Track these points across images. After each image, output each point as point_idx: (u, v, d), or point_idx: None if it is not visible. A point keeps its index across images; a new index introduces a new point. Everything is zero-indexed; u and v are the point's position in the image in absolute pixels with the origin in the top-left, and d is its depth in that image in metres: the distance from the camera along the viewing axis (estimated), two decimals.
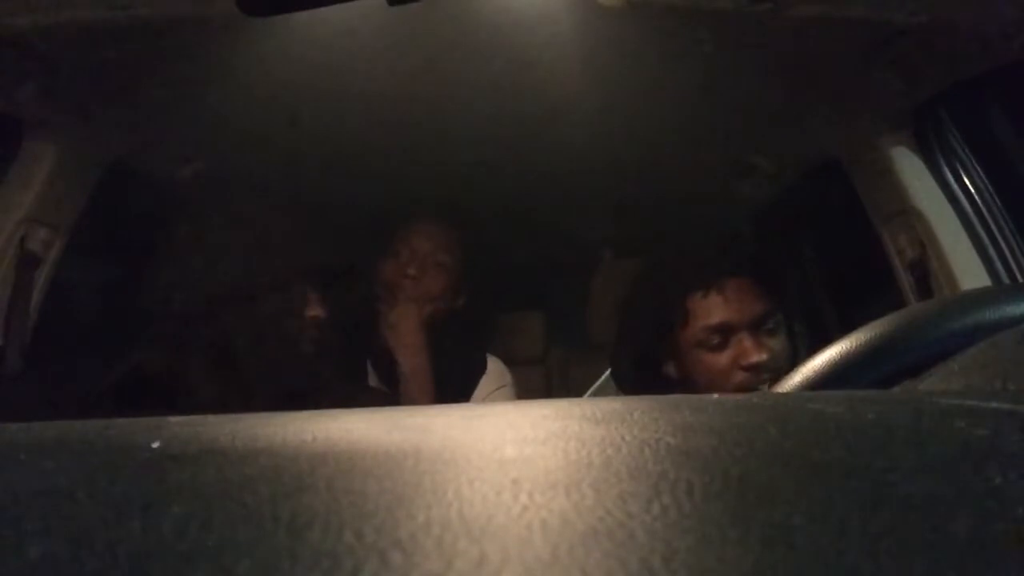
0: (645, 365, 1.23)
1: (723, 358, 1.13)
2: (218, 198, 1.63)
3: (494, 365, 1.65)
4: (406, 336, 1.50)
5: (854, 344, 0.46)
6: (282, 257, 1.21)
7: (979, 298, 0.49)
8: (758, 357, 1.11)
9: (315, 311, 1.21)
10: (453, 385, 1.54)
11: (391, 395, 1.50)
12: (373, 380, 1.57)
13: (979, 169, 1.24)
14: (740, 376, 1.12)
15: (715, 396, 0.33)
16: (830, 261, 1.70)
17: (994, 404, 0.28)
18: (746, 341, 1.12)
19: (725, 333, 1.14)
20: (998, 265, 1.19)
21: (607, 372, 1.40)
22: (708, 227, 1.90)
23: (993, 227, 1.21)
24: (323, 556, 0.16)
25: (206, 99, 1.28)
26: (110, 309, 1.56)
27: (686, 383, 1.18)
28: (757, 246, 1.26)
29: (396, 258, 1.57)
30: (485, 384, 1.60)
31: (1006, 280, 1.17)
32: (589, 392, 1.52)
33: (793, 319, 1.19)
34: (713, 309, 1.14)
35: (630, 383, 1.26)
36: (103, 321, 1.56)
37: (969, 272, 1.18)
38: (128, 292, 1.46)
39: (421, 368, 1.49)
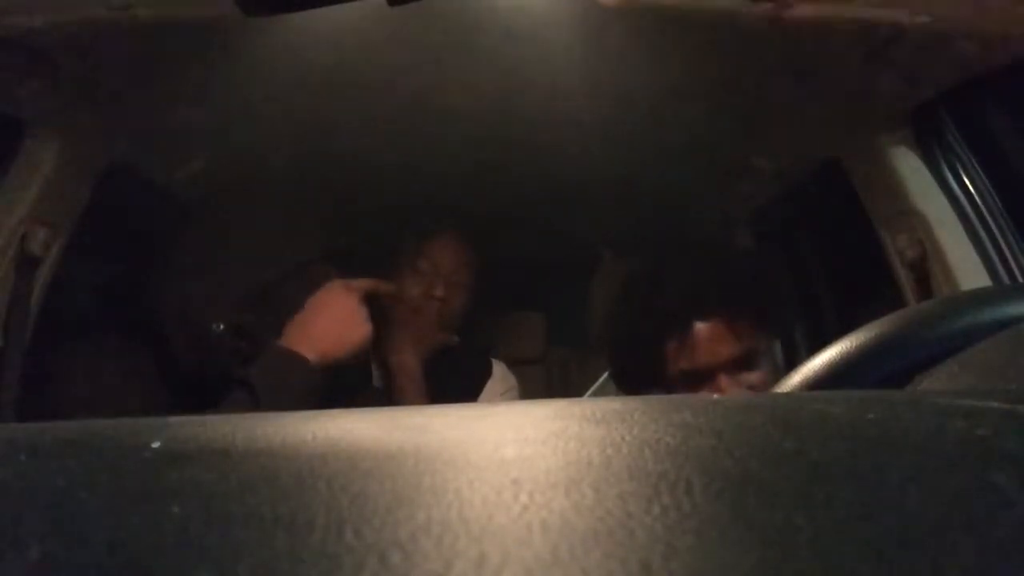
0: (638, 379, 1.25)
1: (702, 393, 1.14)
2: (218, 199, 1.64)
3: (499, 369, 1.65)
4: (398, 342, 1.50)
5: (854, 344, 0.46)
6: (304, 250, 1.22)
7: (979, 298, 0.49)
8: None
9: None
10: (458, 388, 1.54)
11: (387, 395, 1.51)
12: (376, 380, 1.57)
13: (979, 169, 1.24)
14: None
15: (715, 396, 0.33)
16: (830, 261, 1.70)
17: (994, 404, 0.28)
18: (723, 380, 1.13)
19: (701, 376, 1.14)
20: (998, 265, 1.19)
21: (607, 372, 1.40)
22: (709, 227, 1.90)
23: (993, 227, 1.21)
24: (323, 556, 0.16)
25: (206, 99, 1.28)
26: (110, 309, 1.56)
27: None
28: (737, 278, 1.24)
29: (418, 275, 1.55)
30: (491, 388, 1.60)
31: (1006, 280, 1.17)
32: (589, 392, 1.52)
33: (791, 328, 1.19)
34: (688, 354, 1.15)
35: (630, 384, 1.27)
36: (103, 321, 1.56)
37: (969, 272, 1.18)
38: (128, 292, 1.46)
39: (409, 363, 1.49)
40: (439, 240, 1.58)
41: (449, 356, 1.55)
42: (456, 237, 1.60)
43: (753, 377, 1.14)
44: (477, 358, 1.63)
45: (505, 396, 1.61)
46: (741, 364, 1.14)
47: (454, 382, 1.54)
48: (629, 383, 1.26)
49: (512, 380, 1.65)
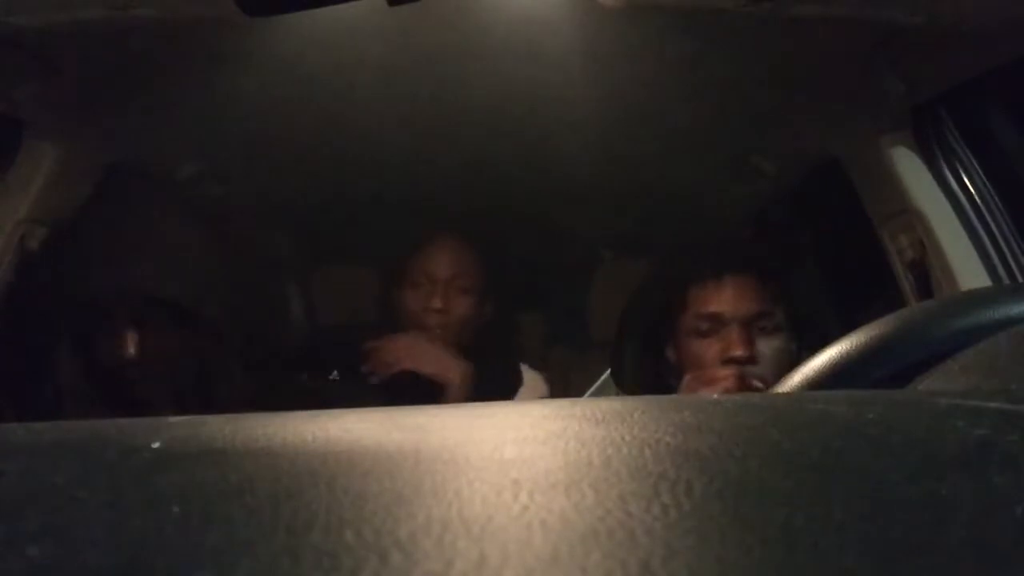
0: (647, 347, 1.26)
1: (711, 348, 1.16)
2: (218, 199, 1.64)
3: (530, 377, 1.60)
4: (438, 359, 1.47)
5: (854, 344, 0.46)
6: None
7: (979, 298, 0.49)
8: (742, 352, 1.13)
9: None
10: (491, 398, 1.51)
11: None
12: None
13: (979, 169, 1.24)
14: (724, 370, 1.13)
15: (715, 396, 0.33)
16: (830, 261, 1.70)
17: (994, 404, 0.28)
18: (734, 334, 1.14)
19: (716, 323, 1.16)
20: (998, 265, 1.19)
21: (607, 372, 1.40)
22: (709, 227, 1.91)
23: (993, 227, 1.21)
24: (323, 556, 0.16)
25: (206, 99, 1.28)
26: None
27: (681, 368, 1.20)
28: (765, 247, 1.29)
29: (416, 289, 1.52)
30: (522, 397, 1.57)
31: (1006, 280, 1.17)
32: (589, 392, 1.52)
33: (797, 326, 1.20)
34: (709, 299, 1.18)
35: (630, 369, 1.28)
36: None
37: (969, 272, 1.18)
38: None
39: (464, 382, 1.47)
40: (431, 248, 1.54)
41: (478, 365, 1.50)
42: (450, 241, 1.55)
43: (764, 343, 1.15)
44: (508, 366, 1.58)
45: None
46: (755, 321, 1.16)
47: (485, 391, 1.48)
48: (630, 369, 1.27)
49: (544, 389, 1.60)
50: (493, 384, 1.50)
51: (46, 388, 1.20)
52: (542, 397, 1.58)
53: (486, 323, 1.58)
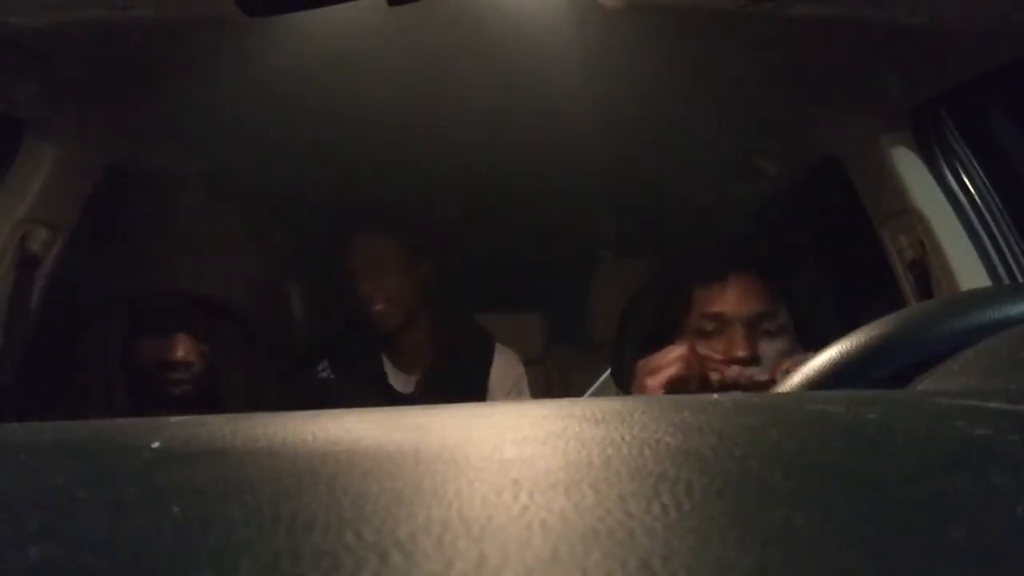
0: (647, 347, 1.26)
1: (714, 349, 1.16)
2: (217, 198, 1.64)
3: (504, 356, 1.65)
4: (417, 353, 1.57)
5: (854, 344, 0.46)
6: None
7: (979, 298, 0.49)
8: (743, 352, 1.13)
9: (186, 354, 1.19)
10: (461, 373, 1.57)
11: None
12: (392, 375, 1.59)
13: (979, 169, 1.24)
14: (674, 352, 1.13)
15: (715, 396, 0.33)
16: (830, 261, 1.70)
17: (994, 404, 0.28)
18: (737, 334, 1.14)
19: (720, 323, 1.16)
20: (998, 265, 1.19)
21: (607, 372, 1.40)
22: (709, 227, 1.91)
23: (993, 227, 1.21)
24: (323, 556, 0.16)
25: (206, 99, 1.28)
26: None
27: None
28: (770, 248, 1.29)
29: (357, 283, 1.61)
30: (499, 375, 1.61)
31: (1006, 280, 1.17)
32: (589, 392, 1.53)
33: (797, 327, 1.20)
34: (713, 298, 1.18)
35: (630, 369, 1.28)
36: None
37: (969, 272, 1.18)
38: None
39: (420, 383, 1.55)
40: (358, 244, 1.61)
41: (449, 340, 1.58)
42: (369, 235, 1.61)
43: (768, 345, 1.15)
44: (478, 343, 1.63)
45: (517, 386, 1.62)
46: (759, 322, 1.16)
47: (456, 367, 1.57)
48: (644, 331, 1.27)
49: (520, 368, 1.66)
50: (465, 358, 1.60)
51: (74, 388, 1.19)
52: (517, 375, 1.63)
53: (427, 285, 1.63)
